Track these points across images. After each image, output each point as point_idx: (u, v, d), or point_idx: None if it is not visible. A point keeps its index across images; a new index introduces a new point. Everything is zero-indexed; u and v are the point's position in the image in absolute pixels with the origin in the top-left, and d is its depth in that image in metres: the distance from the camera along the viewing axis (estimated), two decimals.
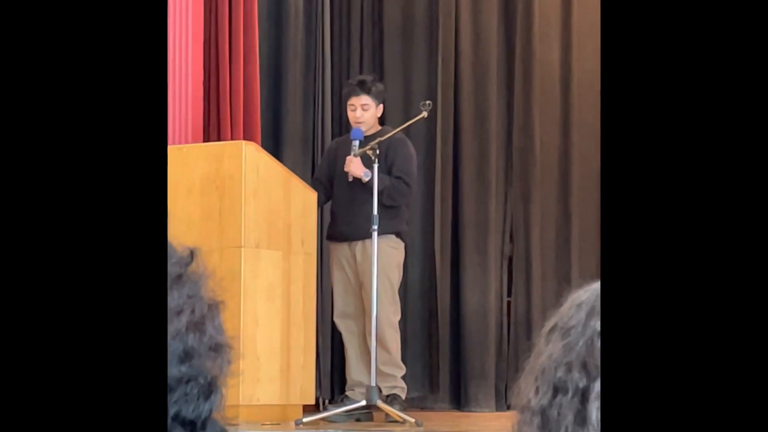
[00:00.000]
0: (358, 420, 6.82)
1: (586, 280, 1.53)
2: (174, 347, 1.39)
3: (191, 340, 1.40)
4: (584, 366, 1.42)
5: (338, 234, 7.16)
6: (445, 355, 8.33)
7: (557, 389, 1.44)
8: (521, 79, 8.54)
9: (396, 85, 8.46)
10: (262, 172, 6.54)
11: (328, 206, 7.39)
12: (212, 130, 7.61)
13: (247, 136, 7.46)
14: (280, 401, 6.58)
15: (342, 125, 8.26)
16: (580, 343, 1.44)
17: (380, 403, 6.58)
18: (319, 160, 7.91)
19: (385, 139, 6.84)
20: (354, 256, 7.07)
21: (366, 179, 6.81)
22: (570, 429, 1.42)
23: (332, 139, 8.08)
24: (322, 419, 6.66)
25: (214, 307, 1.44)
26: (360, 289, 7.05)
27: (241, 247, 6.39)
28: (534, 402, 1.45)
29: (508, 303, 8.50)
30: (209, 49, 7.64)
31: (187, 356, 1.40)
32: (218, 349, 1.43)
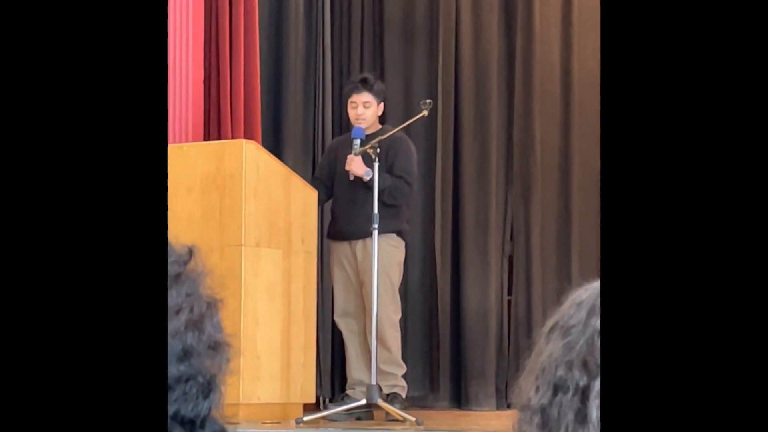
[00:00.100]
0: (358, 419, 6.82)
1: (586, 278, 1.53)
2: (173, 346, 1.39)
3: (190, 338, 1.40)
4: (585, 365, 1.43)
5: (339, 233, 7.16)
6: (446, 354, 8.33)
7: (558, 388, 1.44)
8: (521, 78, 8.54)
9: (396, 84, 8.46)
10: (262, 171, 6.54)
11: (328, 205, 7.39)
12: (213, 128, 7.61)
13: (248, 135, 7.46)
14: (280, 400, 6.58)
15: (342, 124, 8.26)
16: (581, 342, 1.44)
17: (381, 402, 6.58)
18: (319, 159, 7.91)
19: (385, 138, 6.84)
20: (354, 255, 7.07)
21: (367, 178, 6.81)
22: (570, 428, 1.42)
23: (333, 137, 8.08)
24: (323, 418, 6.66)
25: (212, 305, 1.44)
26: (360, 288, 7.05)
27: (241, 245, 6.39)
28: (534, 401, 1.45)
29: (509, 302, 8.50)
30: (210, 48, 7.64)
31: (186, 355, 1.40)
32: (217, 347, 1.43)
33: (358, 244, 7.03)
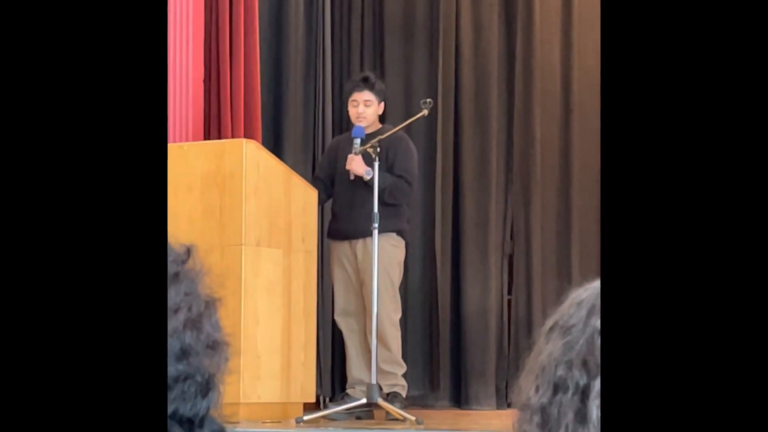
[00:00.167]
0: (358, 418, 6.82)
1: (586, 278, 1.53)
2: (171, 345, 1.39)
3: (188, 337, 1.40)
4: (584, 364, 1.43)
5: (339, 232, 7.16)
6: (446, 353, 8.33)
7: (557, 387, 1.44)
8: (522, 77, 8.54)
9: (396, 83, 8.46)
10: (262, 170, 6.54)
11: (328, 204, 7.39)
12: (213, 128, 7.61)
13: (248, 134, 7.46)
14: (280, 399, 6.58)
15: (342, 123, 8.26)
16: (581, 342, 1.44)
17: (381, 401, 6.58)
18: (319, 158, 7.91)
19: (386, 137, 6.84)
20: (355, 255, 7.07)
21: (367, 177, 6.81)
22: (570, 427, 1.42)
23: (333, 137, 8.08)
24: (323, 417, 6.66)
25: (211, 304, 1.44)
26: (361, 287, 7.05)
27: (241, 245, 6.39)
28: (534, 400, 1.45)
29: (509, 301, 8.50)
30: (210, 47, 7.64)
31: (184, 354, 1.39)
32: (215, 346, 1.43)
33: (359, 244, 7.03)
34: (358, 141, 6.89)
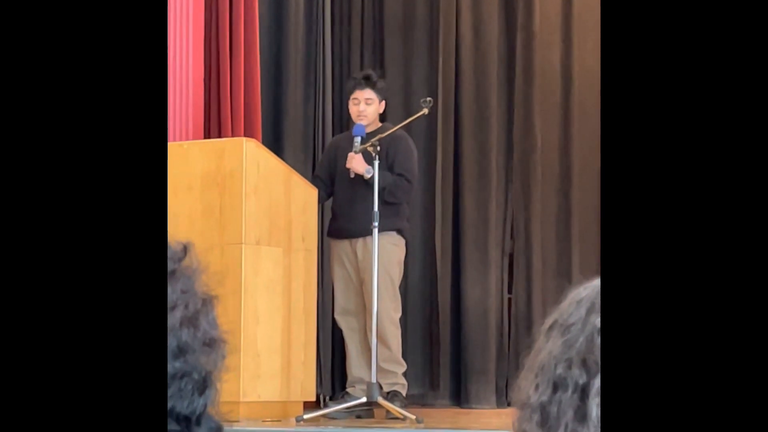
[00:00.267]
0: (358, 417, 6.82)
1: (586, 277, 1.53)
2: (168, 343, 1.39)
3: (185, 335, 1.40)
4: (584, 362, 1.43)
5: (339, 231, 7.16)
6: (446, 352, 8.33)
7: (557, 386, 1.44)
8: (522, 76, 8.54)
9: (396, 81, 8.46)
10: (262, 169, 6.54)
11: (328, 203, 7.39)
12: (213, 127, 7.61)
13: (248, 133, 7.46)
14: (280, 398, 6.58)
15: (343, 122, 8.26)
16: (580, 340, 1.44)
17: (381, 400, 6.58)
18: (319, 157, 7.91)
19: (386, 136, 6.84)
20: (355, 253, 7.07)
21: (368, 176, 6.81)
22: (570, 425, 1.42)
23: (333, 135, 8.08)
24: (323, 416, 6.67)
25: (207, 301, 1.44)
26: (361, 286, 7.05)
27: (241, 243, 6.39)
28: (534, 398, 1.45)
29: (509, 300, 8.50)
30: (210, 46, 7.64)
31: (181, 351, 1.39)
32: (212, 344, 1.43)
33: (359, 242, 7.03)
34: (358, 139, 6.88)
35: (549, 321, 1.50)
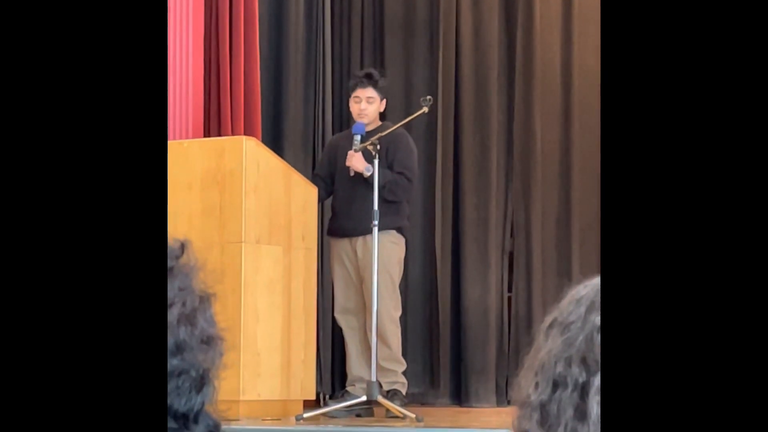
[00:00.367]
0: (358, 415, 6.82)
1: (586, 275, 1.53)
2: None
3: (183, 332, 1.40)
4: (584, 361, 1.43)
5: (339, 229, 7.16)
6: (446, 351, 8.33)
7: (557, 384, 1.44)
8: (522, 74, 8.54)
9: (397, 80, 8.46)
10: (262, 168, 6.54)
11: (328, 202, 7.39)
12: (213, 125, 7.61)
13: (248, 132, 7.46)
14: (280, 396, 6.58)
15: (343, 121, 8.26)
16: (580, 338, 1.44)
17: (381, 399, 6.58)
18: (319, 156, 7.91)
19: (386, 134, 6.84)
20: (355, 252, 7.07)
21: (367, 174, 6.81)
22: (570, 424, 1.42)
23: (333, 134, 8.08)
24: (323, 414, 6.67)
25: (205, 299, 1.44)
26: (361, 285, 7.05)
27: (241, 242, 6.39)
28: (534, 397, 1.45)
29: (509, 298, 8.50)
30: (210, 44, 7.64)
31: (178, 349, 1.39)
32: (210, 341, 1.43)
33: (359, 241, 7.03)
34: (358, 138, 6.88)
35: (549, 319, 1.50)
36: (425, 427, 6.45)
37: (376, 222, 6.62)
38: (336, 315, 7.29)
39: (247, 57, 7.65)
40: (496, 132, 8.50)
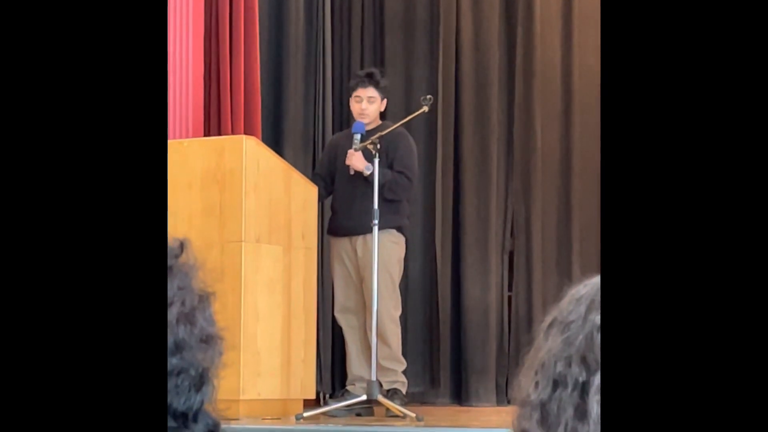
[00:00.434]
0: (358, 415, 6.82)
1: (586, 274, 1.53)
2: None
3: (182, 331, 1.40)
4: (584, 360, 1.43)
5: (339, 228, 7.16)
6: (446, 350, 8.33)
7: (557, 383, 1.44)
8: (522, 73, 8.54)
9: (397, 79, 8.46)
10: (262, 167, 6.54)
11: (328, 201, 7.39)
12: (213, 124, 7.61)
13: (248, 131, 7.46)
14: (280, 395, 6.58)
15: (343, 120, 8.26)
16: (580, 338, 1.44)
17: (381, 398, 6.58)
18: (319, 155, 7.91)
19: (386, 134, 6.84)
20: (355, 251, 7.07)
21: (367, 173, 6.81)
22: (570, 423, 1.42)
23: (333, 133, 8.08)
24: (323, 414, 6.67)
25: (204, 298, 1.44)
26: (361, 284, 7.05)
27: (241, 241, 6.39)
28: (534, 396, 1.45)
29: (509, 298, 8.50)
30: (210, 43, 7.64)
31: (177, 348, 1.40)
32: (209, 340, 1.43)
33: (359, 240, 7.03)
34: (358, 137, 6.89)
35: (549, 319, 1.50)
36: (425, 426, 6.45)
37: (376, 221, 6.62)
38: (336, 314, 7.29)
39: (247, 57, 7.65)
40: (496, 131, 8.50)
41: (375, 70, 7.35)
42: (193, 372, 1.40)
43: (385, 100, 7.22)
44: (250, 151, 6.48)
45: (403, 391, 7.14)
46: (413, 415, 6.50)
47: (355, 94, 7.18)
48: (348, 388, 7.13)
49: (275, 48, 8.27)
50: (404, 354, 7.30)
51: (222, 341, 1.45)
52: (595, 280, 1.48)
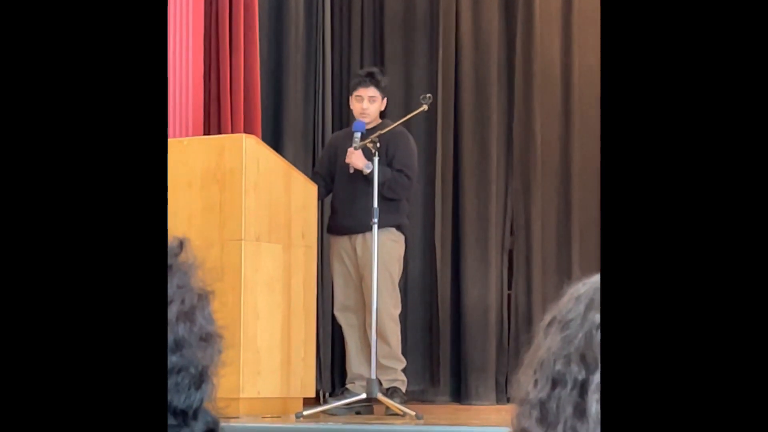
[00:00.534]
0: (358, 413, 6.82)
1: (586, 273, 1.54)
2: None
3: (181, 330, 1.40)
4: (583, 359, 1.43)
5: (339, 227, 7.16)
6: (446, 349, 8.33)
7: (556, 382, 1.44)
8: (522, 72, 8.54)
9: (396, 78, 8.45)
10: (262, 166, 6.54)
11: (328, 199, 7.39)
12: (213, 123, 7.60)
13: (248, 129, 7.46)
14: (280, 394, 6.58)
15: (342, 118, 8.26)
16: (579, 336, 1.44)
17: (380, 396, 6.58)
18: (319, 154, 7.91)
19: (385, 132, 6.84)
20: (354, 249, 7.07)
21: (367, 171, 6.81)
22: (569, 422, 1.42)
23: (333, 132, 8.08)
24: (323, 412, 6.67)
25: (203, 297, 1.44)
26: (360, 283, 7.05)
27: (241, 240, 6.39)
28: (533, 395, 1.46)
29: (509, 296, 8.50)
30: (210, 42, 7.64)
31: (177, 346, 1.40)
32: (208, 338, 1.43)
33: (358, 239, 7.03)
34: (358, 135, 6.89)
35: (548, 317, 1.50)
36: (425, 424, 6.45)
37: (375, 220, 6.62)
38: (336, 312, 7.29)
39: (246, 56, 7.65)
40: (496, 130, 8.50)
41: (376, 70, 7.35)
42: (192, 370, 1.41)
43: (385, 100, 7.23)
44: (250, 149, 6.48)
45: (403, 389, 7.14)
46: (413, 413, 6.50)
47: (355, 93, 7.18)
48: (348, 386, 7.14)
49: (275, 48, 8.27)
50: (404, 352, 7.30)
51: (221, 339, 1.45)
52: (595, 279, 1.48)
